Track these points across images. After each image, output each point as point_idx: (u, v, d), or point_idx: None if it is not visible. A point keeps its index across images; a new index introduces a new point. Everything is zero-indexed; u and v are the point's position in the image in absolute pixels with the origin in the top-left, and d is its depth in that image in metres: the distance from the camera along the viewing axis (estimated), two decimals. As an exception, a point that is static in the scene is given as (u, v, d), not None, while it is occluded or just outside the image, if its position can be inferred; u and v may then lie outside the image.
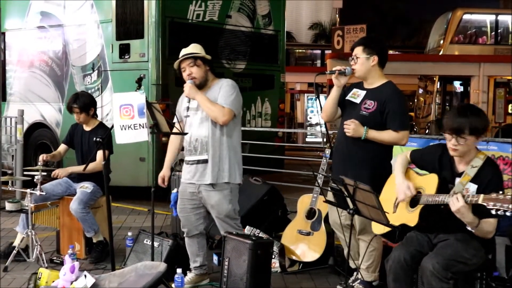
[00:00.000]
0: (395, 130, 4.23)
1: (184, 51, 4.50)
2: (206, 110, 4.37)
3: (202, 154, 4.43)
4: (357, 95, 4.38)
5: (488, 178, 3.43)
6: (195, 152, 4.46)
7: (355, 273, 4.59)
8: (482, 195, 3.21)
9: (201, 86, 4.46)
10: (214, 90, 4.45)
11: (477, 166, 3.47)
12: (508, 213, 3.08)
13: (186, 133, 4.44)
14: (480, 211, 3.28)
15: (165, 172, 4.68)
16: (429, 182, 3.58)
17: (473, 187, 3.42)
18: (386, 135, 4.25)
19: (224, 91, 4.41)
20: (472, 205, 3.27)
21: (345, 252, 4.41)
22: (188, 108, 4.52)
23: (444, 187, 3.50)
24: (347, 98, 4.42)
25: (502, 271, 4.23)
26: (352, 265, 4.55)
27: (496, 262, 4.19)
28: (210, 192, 4.43)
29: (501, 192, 3.17)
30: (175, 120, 4.59)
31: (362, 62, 4.31)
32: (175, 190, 4.80)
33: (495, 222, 3.39)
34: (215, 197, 4.43)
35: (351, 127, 4.25)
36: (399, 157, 3.86)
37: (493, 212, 3.13)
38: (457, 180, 3.52)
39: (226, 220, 4.48)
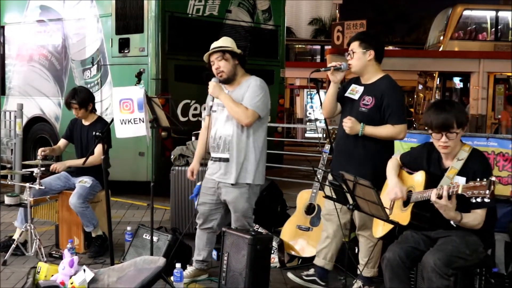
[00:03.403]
0: (392, 124, 4.21)
1: (214, 44, 4.42)
2: (229, 110, 4.30)
3: (224, 152, 4.39)
4: (355, 91, 4.36)
5: (475, 168, 3.42)
6: (218, 150, 4.43)
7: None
8: (461, 185, 3.18)
9: (229, 80, 4.39)
10: (242, 88, 4.38)
11: (463, 158, 3.47)
12: (486, 200, 3.04)
13: (186, 128, 4.41)
14: (466, 203, 3.26)
15: (194, 165, 4.65)
16: (418, 179, 3.59)
17: (462, 180, 3.39)
18: (383, 130, 4.22)
19: (251, 91, 4.33)
20: (456, 196, 3.23)
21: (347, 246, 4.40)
22: (215, 103, 4.43)
23: (434, 184, 3.48)
24: (346, 94, 4.39)
25: (501, 267, 4.23)
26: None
27: (496, 258, 4.19)
28: (229, 188, 4.41)
29: (479, 179, 3.10)
30: (203, 113, 4.51)
31: (358, 56, 4.29)
32: (199, 183, 4.81)
33: (483, 213, 3.36)
34: (232, 194, 4.41)
35: (348, 125, 4.23)
36: (390, 162, 3.86)
37: (473, 200, 3.09)
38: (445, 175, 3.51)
39: (240, 218, 4.48)
